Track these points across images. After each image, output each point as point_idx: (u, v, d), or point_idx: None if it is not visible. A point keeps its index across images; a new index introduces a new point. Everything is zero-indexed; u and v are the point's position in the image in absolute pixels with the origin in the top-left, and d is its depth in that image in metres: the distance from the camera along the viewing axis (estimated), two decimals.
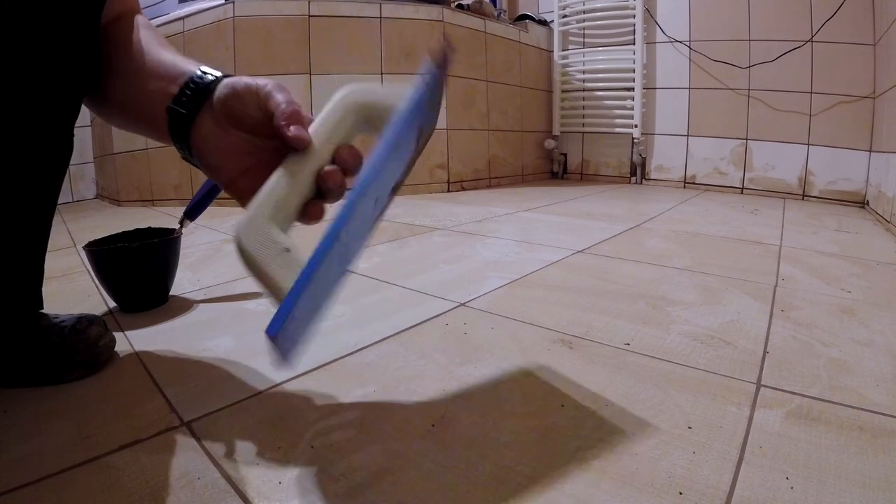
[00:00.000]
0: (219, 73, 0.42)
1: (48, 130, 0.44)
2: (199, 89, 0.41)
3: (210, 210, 0.82)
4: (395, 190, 0.43)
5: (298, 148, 0.37)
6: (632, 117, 2.13)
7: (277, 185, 0.38)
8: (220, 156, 0.41)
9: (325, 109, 0.40)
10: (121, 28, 0.46)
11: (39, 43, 0.41)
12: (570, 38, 2.36)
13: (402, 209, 1.50)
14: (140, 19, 0.48)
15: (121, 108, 0.48)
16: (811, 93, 1.75)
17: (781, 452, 0.37)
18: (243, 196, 0.41)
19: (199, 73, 0.42)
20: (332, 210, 0.37)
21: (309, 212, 0.39)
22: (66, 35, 0.42)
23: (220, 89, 0.40)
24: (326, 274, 0.35)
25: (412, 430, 0.41)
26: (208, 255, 1.02)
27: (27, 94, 0.41)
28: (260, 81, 0.40)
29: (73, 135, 0.48)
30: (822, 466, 0.36)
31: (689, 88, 2.03)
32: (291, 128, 0.37)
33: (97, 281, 0.72)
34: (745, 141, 1.92)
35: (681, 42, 2.01)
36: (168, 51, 0.45)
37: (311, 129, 0.39)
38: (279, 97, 0.39)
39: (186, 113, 0.40)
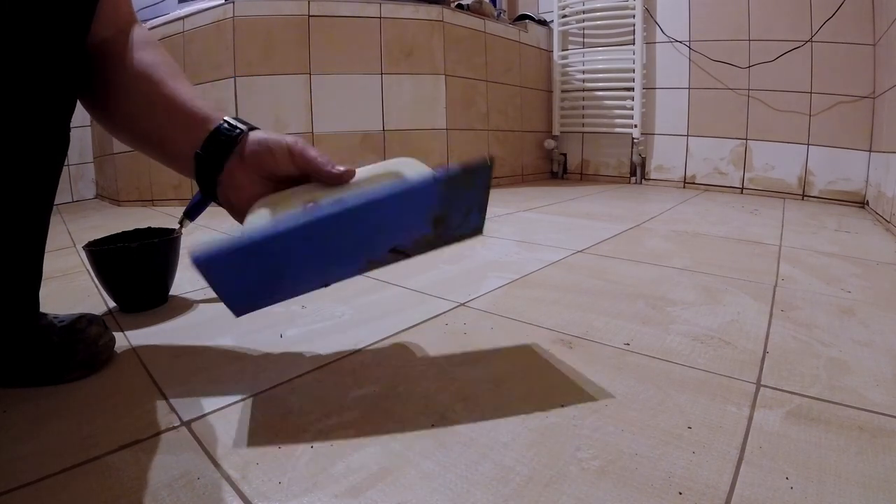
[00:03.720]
0: (244, 126, 0.47)
1: (41, 125, 0.44)
2: (228, 141, 0.45)
3: (210, 210, 0.82)
4: (398, 252, 0.46)
5: (346, 179, 0.45)
6: (631, 117, 2.13)
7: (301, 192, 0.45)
8: (245, 200, 0.46)
9: (373, 165, 0.48)
10: (121, 43, 0.48)
11: (29, 35, 0.41)
12: (570, 38, 2.35)
13: None
14: (148, 38, 0.50)
15: (133, 131, 0.51)
16: (811, 93, 1.75)
17: (781, 452, 0.37)
18: None
19: (227, 125, 0.46)
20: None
21: None
22: (55, 28, 0.42)
23: (251, 145, 0.45)
24: (288, 255, 0.40)
25: (412, 430, 0.41)
26: None
27: (17, 88, 0.41)
28: (289, 139, 0.46)
29: (68, 130, 0.48)
30: (822, 466, 0.36)
31: (689, 88, 2.03)
32: (338, 167, 0.45)
33: (97, 281, 0.72)
34: (744, 141, 1.92)
35: (681, 42, 2.01)
36: (183, 84, 0.48)
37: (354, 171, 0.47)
38: (313, 152, 0.45)
39: (216, 161, 0.45)
